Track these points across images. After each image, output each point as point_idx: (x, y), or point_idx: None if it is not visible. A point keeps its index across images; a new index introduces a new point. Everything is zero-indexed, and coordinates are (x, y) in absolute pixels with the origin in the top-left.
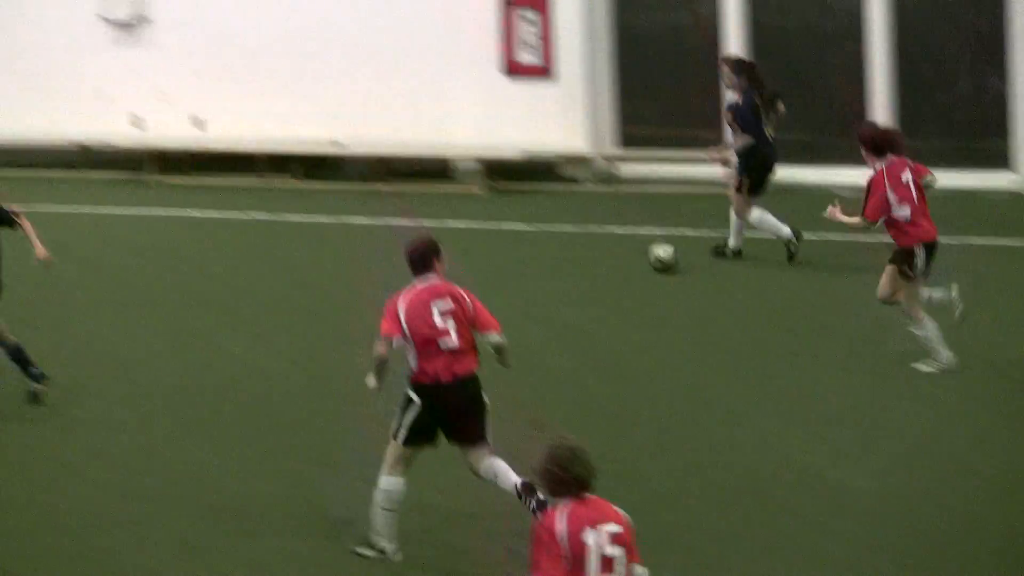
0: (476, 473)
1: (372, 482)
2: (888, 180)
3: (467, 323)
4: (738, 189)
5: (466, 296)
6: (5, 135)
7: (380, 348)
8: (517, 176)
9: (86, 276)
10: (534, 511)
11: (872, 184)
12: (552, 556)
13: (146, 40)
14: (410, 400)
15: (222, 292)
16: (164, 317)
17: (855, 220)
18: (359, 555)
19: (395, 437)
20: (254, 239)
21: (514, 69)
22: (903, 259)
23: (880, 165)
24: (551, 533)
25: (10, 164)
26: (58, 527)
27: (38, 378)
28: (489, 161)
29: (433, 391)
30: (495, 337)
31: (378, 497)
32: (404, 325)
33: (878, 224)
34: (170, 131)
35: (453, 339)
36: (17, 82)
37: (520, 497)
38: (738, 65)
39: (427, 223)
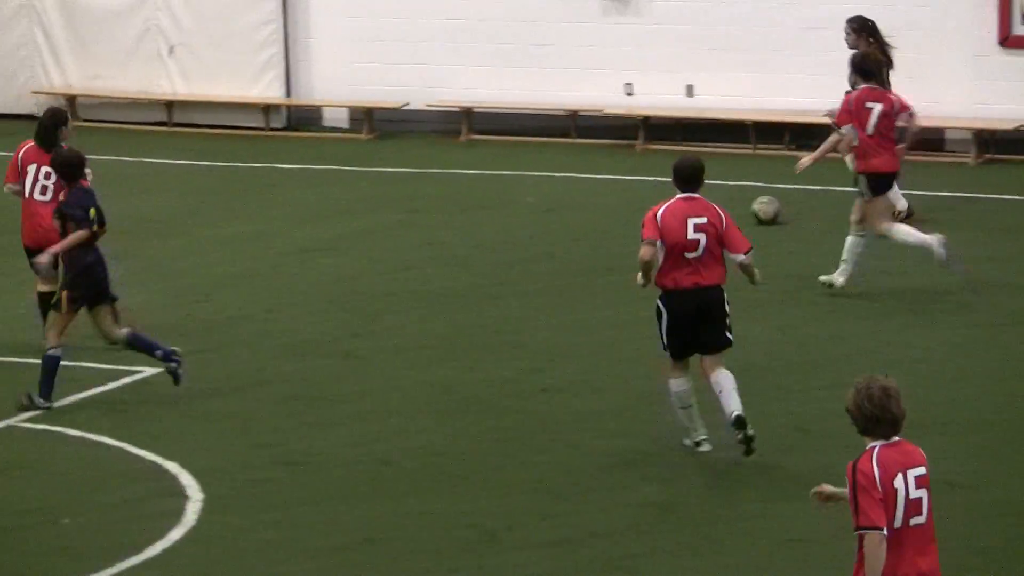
0: (708, 380)
1: None
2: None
3: (718, 240)
4: None
5: (723, 216)
6: (495, 102)
7: (644, 252)
8: (1010, 148)
9: (571, 242)
10: (741, 442)
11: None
12: (873, 500)
13: (636, 8)
14: (659, 310)
15: None
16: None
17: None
18: (685, 446)
19: (664, 349)
20: (740, 206)
21: (1010, 41)
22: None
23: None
24: (868, 477)
25: (499, 131)
26: (541, 488)
27: (168, 357)
28: (981, 132)
29: (675, 296)
30: (741, 257)
31: (672, 402)
32: (660, 231)
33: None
34: (659, 99)
35: (700, 252)
36: (508, 50)
37: (733, 425)
38: (862, 24)
39: (917, 192)
